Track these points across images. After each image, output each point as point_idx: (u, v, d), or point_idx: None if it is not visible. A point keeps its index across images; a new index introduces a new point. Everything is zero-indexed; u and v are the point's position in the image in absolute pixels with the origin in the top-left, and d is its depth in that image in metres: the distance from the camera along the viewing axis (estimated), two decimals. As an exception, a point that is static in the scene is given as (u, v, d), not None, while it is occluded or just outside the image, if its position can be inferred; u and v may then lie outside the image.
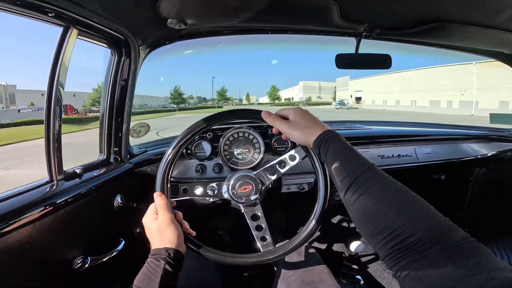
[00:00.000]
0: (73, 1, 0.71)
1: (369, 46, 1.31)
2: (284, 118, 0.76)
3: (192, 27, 1.04)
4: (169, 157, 0.84)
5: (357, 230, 0.59)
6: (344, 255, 1.67)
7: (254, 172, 0.90)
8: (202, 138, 1.21)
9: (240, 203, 0.89)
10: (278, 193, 1.31)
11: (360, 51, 1.24)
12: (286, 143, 1.21)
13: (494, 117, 1.78)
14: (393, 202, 0.52)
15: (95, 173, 0.97)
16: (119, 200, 1.03)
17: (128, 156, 1.15)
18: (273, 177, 0.90)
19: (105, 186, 0.96)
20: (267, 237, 0.88)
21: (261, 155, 1.17)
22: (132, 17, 0.90)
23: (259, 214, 0.90)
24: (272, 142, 1.22)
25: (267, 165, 0.90)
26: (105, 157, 1.10)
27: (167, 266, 0.64)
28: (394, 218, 0.49)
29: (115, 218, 1.03)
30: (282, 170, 0.89)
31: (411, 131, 1.61)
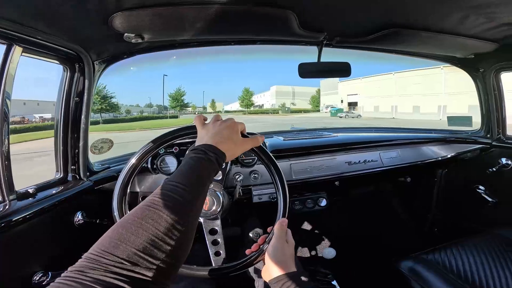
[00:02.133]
0: (13, 20, 0.68)
1: (334, 54, 1.34)
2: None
3: (152, 40, 1.03)
4: (126, 175, 0.82)
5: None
6: (318, 262, 1.68)
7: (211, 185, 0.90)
8: (167, 153, 1.20)
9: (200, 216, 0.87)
10: (250, 203, 1.30)
11: (325, 60, 1.26)
12: (253, 155, 1.21)
13: (451, 120, 1.87)
14: None
15: (52, 191, 0.95)
16: (80, 217, 1.00)
17: (88, 173, 1.11)
18: (236, 196, 0.90)
19: (63, 204, 0.93)
20: (221, 252, 0.88)
21: (228, 167, 1.16)
22: (83, 33, 0.88)
23: (217, 229, 0.89)
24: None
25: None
26: (62, 175, 1.06)
27: None
28: None
29: (77, 234, 1.00)
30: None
31: (376, 136, 1.66)
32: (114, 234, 0.45)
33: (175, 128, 0.90)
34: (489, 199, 1.60)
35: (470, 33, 1.11)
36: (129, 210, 0.87)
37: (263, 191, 1.31)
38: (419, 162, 1.59)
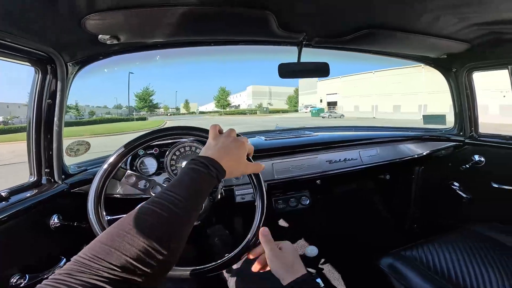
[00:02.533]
0: None
1: (315, 55, 1.35)
2: (277, 247, 0.75)
3: (128, 42, 1.01)
4: (101, 177, 0.83)
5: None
6: (301, 260, 1.69)
7: None
8: (147, 154, 1.18)
9: None
10: (233, 202, 1.30)
11: (306, 60, 1.27)
12: None
13: (426, 118, 1.93)
14: None
15: (26, 194, 0.93)
16: (56, 220, 0.98)
17: (64, 176, 1.09)
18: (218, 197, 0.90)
19: (37, 208, 0.91)
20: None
21: None
22: (55, 35, 0.86)
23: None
24: None
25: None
26: (35, 178, 1.03)
27: None
28: None
29: (54, 237, 0.98)
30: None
31: (355, 135, 1.69)
32: (107, 241, 0.43)
33: (150, 131, 0.90)
34: (464, 195, 1.66)
35: (442, 34, 1.14)
36: (105, 212, 0.86)
37: (246, 191, 1.31)
38: (397, 160, 1.63)
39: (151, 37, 1.04)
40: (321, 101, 41.39)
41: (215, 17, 0.92)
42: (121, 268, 0.40)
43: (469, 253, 1.15)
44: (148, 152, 1.19)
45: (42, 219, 0.95)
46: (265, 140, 1.51)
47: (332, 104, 38.30)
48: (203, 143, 1.19)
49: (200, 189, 0.56)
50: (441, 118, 1.86)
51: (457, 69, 1.58)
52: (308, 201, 1.59)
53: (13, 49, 0.81)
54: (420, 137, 1.76)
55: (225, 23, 0.99)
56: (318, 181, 1.52)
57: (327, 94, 39.94)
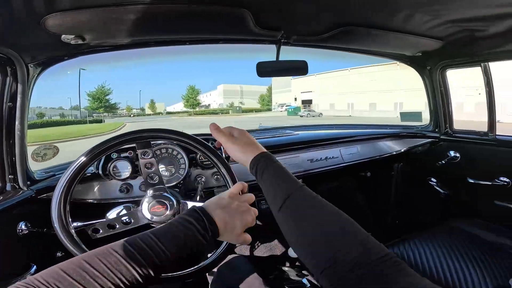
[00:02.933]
0: None
1: (294, 53, 1.34)
2: (230, 134, 0.76)
3: (94, 41, 0.96)
4: (63, 185, 0.79)
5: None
6: (286, 261, 1.67)
7: (167, 190, 0.88)
8: (121, 158, 1.12)
9: (152, 222, 0.84)
10: None
11: (284, 58, 1.25)
12: None
13: (403, 115, 1.97)
14: (319, 225, 0.52)
15: None
16: (23, 227, 0.93)
17: (29, 182, 1.03)
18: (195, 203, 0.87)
19: (1, 215, 0.87)
20: None
21: (186, 171, 1.14)
22: (13, 35, 0.81)
23: None
24: (198, 156, 1.19)
25: (178, 179, 0.93)
26: None
27: None
28: (324, 248, 0.47)
29: (22, 245, 0.94)
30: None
31: (336, 133, 1.70)
32: (69, 270, 0.41)
33: (114, 136, 0.86)
34: (441, 191, 1.70)
35: (417, 31, 1.16)
36: (71, 218, 0.81)
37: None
38: (377, 157, 1.65)
39: (120, 36, 1.00)
40: (295, 99, 39.84)
41: (189, 15, 0.89)
42: None
43: (449, 249, 1.17)
44: (122, 155, 1.13)
45: (8, 227, 0.91)
46: None
47: (307, 103, 36.79)
48: (180, 145, 1.15)
49: (189, 248, 0.53)
50: (417, 115, 1.90)
51: (431, 66, 1.61)
52: None
53: None
54: (398, 134, 1.80)
55: (200, 21, 0.96)
56: (300, 180, 1.50)
57: (301, 92, 38.76)
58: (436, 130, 1.76)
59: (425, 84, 1.70)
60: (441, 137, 1.72)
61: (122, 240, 0.48)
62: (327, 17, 1.03)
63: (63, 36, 0.85)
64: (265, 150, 0.71)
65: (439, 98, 1.67)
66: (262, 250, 1.76)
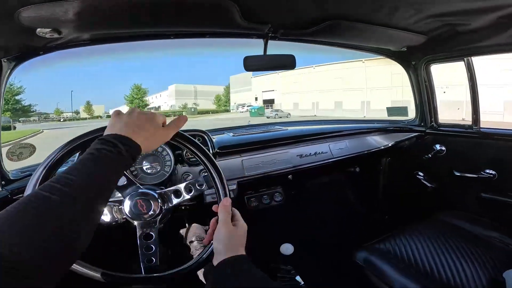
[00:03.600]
0: None
1: (278, 47, 1.30)
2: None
3: (72, 35, 0.92)
4: (35, 181, 0.70)
5: None
6: (277, 259, 1.66)
7: (158, 191, 0.81)
8: None
9: (135, 220, 0.79)
10: (202, 203, 1.23)
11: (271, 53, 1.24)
12: None
13: (390, 110, 2.00)
14: None
15: None
16: None
17: (4, 182, 0.99)
18: (177, 200, 0.81)
19: None
20: (154, 259, 0.79)
21: (172, 168, 1.10)
22: None
23: (153, 234, 0.80)
24: (184, 152, 1.17)
25: (173, 188, 0.82)
26: None
27: None
28: None
29: None
30: (187, 196, 0.81)
31: (325, 128, 1.70)
32: None
33: (91, 130, 0.80)
34: (428, 185, 1.72)
35: (401, 26, 1.17)
36: None
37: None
38: (365, 152, 1.66)
39: (98, 30, 0.97)
40: (256, 99, 35.48)
41: (172, 6, 0.87)
42: None
43: (439, 243, 1.18)
44: None
45: None
46: (233, 136, 1.46)
47: (269, 102, 33.27)
48: (166, 143, 1.11)
49: (106, 173, 0.49)
50: (403, 110, 1.93)
51: (416, 62, 1.63)
52: (281, 198, 1.57)
53: None
54: (385, 128, 1.82)
55: (184, 13, 0.94)
56: (290, 176, 1.50)
57: (263, 91, 34.74)
58: (422, 124, 1.78)
59: (410, 79, 1.73)
60: (427, 131, 1.74)
61: (37, 189, 0.43)
62: (313, 11, 1.03)
63: (38, 29, 0.82)
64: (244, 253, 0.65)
65: (424, 92, 1.69)
66: (253, 248, 1.73)
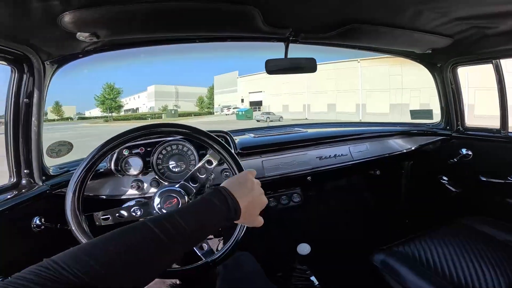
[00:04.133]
0: None
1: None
2: None
3: (108, 39, 0.99)
4: (78, 179, 0.80)
5: None
6: (294, 258, 1.67)
7: (177, 185, 0.89)
8: (132, 154, 1.15)
9: (159, 213, 0.86)
10: None
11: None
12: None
13: (414, 113, 1.96)
14: None
15: (5, 196, 0.91)
16: (37, 222, 0.95)
17: (44, 177, 1.06)
18: (196, 185, 0.90)
19: (17, 210, 0.89)
20: (206, 245, 0.87)
21: (196, 166, 1.15)
22: (31, 33, 0.84)
23: None
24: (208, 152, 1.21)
25: (187, 175, 0.91)
26: (15, 180, 1.00)
27: None
28: None
29: (36, 240, 0.96)
30: (202, 176, 0.91)
31: (345, 131, 1.70)
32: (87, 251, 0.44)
33: (127, 130, 0.87)
34: (453, 189, 1.68)
35: (426, 28, 1.15)
36: (86, 213, 0.84)
37: None
38: (387, 155, 1.64)
39: (132, 33, 1.02)
40: (242, 100, 32.79)
41: (199, 12, 0.91)
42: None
43: (461, 247, 1.15)
44: (133, 151, 1.16)
45: (22, 222, 0.93)
46: (254, 137, 1.50)
47: (256, 104, 30.38)
48: (189, 140, 1.18)
49: (212, 226, 0.55)
50: (428, 113, 1.88)
51: (441, 64, 1.59)
52: (299, 198, 1.58)
53: None
54: (408, 132, 1.78)
55: (209, 19, 0.98)
56: (309, 178, 1.51)
57: (250, 93, 32.18)
58: (448, 127, 1.73)
59: (436, 81, 1.68)
60: (453, 134, 1.69)
61: (145, 220, 0.49)
62: (335, 15, 1.03)
63: (78, 33, 0.87)
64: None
65: (450, 95, 1.64)
66: (269, 247, 1.77)
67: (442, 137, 1.74)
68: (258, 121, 20.05)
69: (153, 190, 1.14)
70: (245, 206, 0.59)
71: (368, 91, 21.61)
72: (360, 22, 1.07)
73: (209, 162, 0.92)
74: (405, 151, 1.69)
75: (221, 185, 0.62)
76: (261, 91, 30.66)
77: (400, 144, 1.72)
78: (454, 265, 1.07)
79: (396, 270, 1.09)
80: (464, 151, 1.61)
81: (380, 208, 2.04)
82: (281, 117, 23.29)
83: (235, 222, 0.61)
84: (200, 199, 0.57)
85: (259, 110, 28.42)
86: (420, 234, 1.26)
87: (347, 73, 22.87)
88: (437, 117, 1.84)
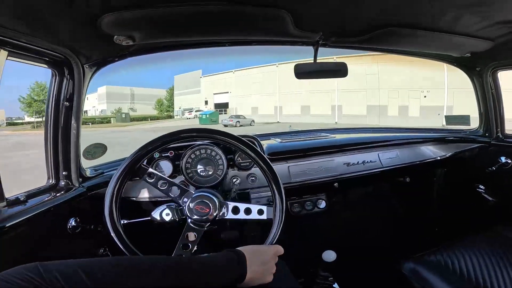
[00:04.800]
0: None
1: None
2: None
3: (143, 42, 1.01)
4: (117, 180, 0.86)
5: None
6: (318, 265, 1.65)
7: (207, 191, 0.94)
8: (162, 157, 1.18)
9: (190, 218, 0.90)
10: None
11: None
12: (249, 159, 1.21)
13: (449, 119, 1.87)
14: None
15: (43, 198, 0.94)
16: (73, 223, 0.98)
17: (81, 179, 1.10)
18: (233, 216, 0.93)
19: (54, 211, 0.92)
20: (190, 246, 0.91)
21: (224, 172, 1.17)
22: (71, 36, 0.87)
23: (195, 234, 0.92)
24: (236, 157, 1.22)
25: (215, 180, 1.01)
26: (53, 182, 1.04)
27: None
28: None
29: (71, 240, 0.99)
30: (243, 217, 0.93)
31: (374, 137, 1.65)
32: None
33: (171, 132, 0.90)
34: (490, 198, 1.59)
35: (465, 32, 1.10)
36: (122, 216, 0.87)
37: (261, 194, 1.29)
38: (418, 162, 1.58)
39: (166, 37, 1.04)
40: (206, 102, 29.36)
41: (231, 16, 0.91)
42: None
43: (496, 257, 1.09)
44: (163, 155, 1.19)
45: (60, 223, 0.96)
46: (281, 142, 1.49)
47: (221, 107, 27.11)
48: (218, 145, 1.19)
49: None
50: (465, 119, 1.78)
51: (481, 68, 1.51)
52: (324, 205, 1.56)
53: (30, 50, 0.82)
54: (443, 138, 1.70)
55: (240, 22, 0.98)
56: (335, 184, 1.48)
57: (215, 94, 28.82)
58: (487, 134, 1.64)
59: (474, 86, 1.60)
60: (492, 142, 1.60)
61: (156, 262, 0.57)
62: (368, 18, 1.01)
63: (115, 37, 0.90)
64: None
65: (490, 101, 1.55)
66: (294, 252, 1.75)
67: (480, 145, 1.65)
68: (225, 125, 17.70)
69: (181, 194, 1.16)
70: (253, 276, 0.67)
71: (343, 91, 19.98)
72: (396, 25, 1.04)
73: (260, 211, 0.95)
74: (439, 158, 1.62)
75: (243, 248, 0.70)
76: (227, 92, 27.72)
77: (433, 151, 1.65)
78: (489, 275, 1.01)
79: (427, 279, 1.05)
80: (503, 159, 1.52)
81: (408, 216, 1.97)
82: (253, 120, 21.14)
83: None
84: (215, 260, 0.66)
85: (225, 113, 25.41)
86: (452, 243, 1.21)
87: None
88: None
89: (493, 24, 1.01)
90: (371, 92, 18.45)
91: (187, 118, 26.28)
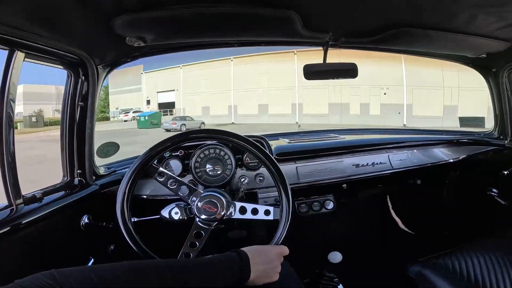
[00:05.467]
0: (13, 25, 0.69)
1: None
2: None
3: (154, 43, 1.03)
4: (129, 178, 0.89)
5: None
6: (324, 266, 1.65)
7: (216, 190, 0.97)
8: (172, 156, 1.21)
9: (198, 217, 0.92)
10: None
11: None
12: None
13: (464, 120, 1.83)
14: None
15: (57, 195, 0.97)
16: (86, 220, 1.02)
17: (94, 177, 1.13)
18: (240, 216, 0.94)
19: (68, 208, 0.95)
20: (191, 255, 0.93)
21: (232, 171, 1.19)
22: (85, 37, 0.89)
23: (203, 233, 0.94)
24: (244, 157, 1.23)
25: (224, 180, 1.03)
26: (68, 179, 1.08)
27: None
28: None
29: (83, 237, 1.02)
30: (250, 217, 0.94)
31: (384, 138, 1.63)
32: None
33: (182, 132, 0.92)
34: (502, 202, 1.55)
35: (480, 32, 1.07)
36: (132, 213, 0.90)
37: (269, 194, 1.30)
38: (430, 164, 1.56)
39: (177, 38, 1.06)
40: (148, 102, 24.74)
41: (241, 17, 0.92)
42: None
43: (506, 262, 1.07)
44: (173, 154, 1.21)
45: (74, 219, 0.99)
46: (289, 142, 1.49)
47: (167, 107, 23.58)
48: (227, 145, 1.20)
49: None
50: (479, 121, 1.74)
51: (497, 69, 1.46)
52: (332, 206, 1.55)
53: (46, 52, 0.85)
54: (456, 140, 1.67)
55: (250, 23, 0.99)
56: (344, 185, 1.48)
57: (158, 92, 24.58)
58: (501, 137, 1.60)
59: (490, 87, 1.55)
60: (507, 145, 1.56)
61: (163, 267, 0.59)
62: (380, 18, 1.00)
63: (127, 38, 0.92)
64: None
65: (505, 102, 1.51)
66: (300, 253, 1.76)
67: (494, 147, 1.60)
68: (167, 130, 14.39)
69: (190, 193, 1.18)
70: (256, 276, 0.68)
71: (304, 88, 18.03)
72: (409, 26, 1.02)
73: (266, 212, 0.96)
74: (451, 160, 1.59)
75: (246, 248, 0.71)
76: (174, 90, 23.66)
77: (445, 153, 1.62)
78: (497, 280, 1.00)
79: (434, 283, 1.03)
80: (518, 162, 1.48)
81: (417, 218, 1.94)
82: (203, 123, 17.73)
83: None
84: (216, 262, 0.66)
85: (172, 114, 22.43)
86: (462, 247, 1.18)
87: (282, 67, 18.59)
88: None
89: (508, 24, 0.99)
90: (332, 88, 16.96)
91: (124, 121, 22.51)
